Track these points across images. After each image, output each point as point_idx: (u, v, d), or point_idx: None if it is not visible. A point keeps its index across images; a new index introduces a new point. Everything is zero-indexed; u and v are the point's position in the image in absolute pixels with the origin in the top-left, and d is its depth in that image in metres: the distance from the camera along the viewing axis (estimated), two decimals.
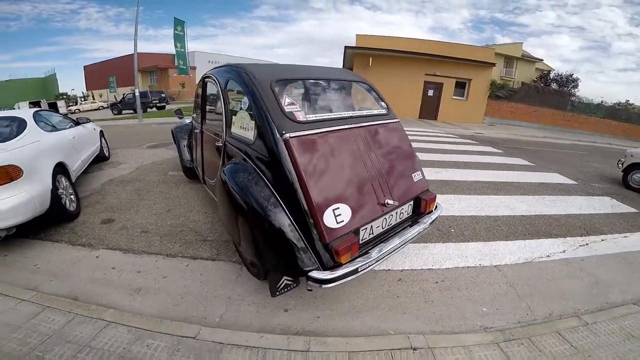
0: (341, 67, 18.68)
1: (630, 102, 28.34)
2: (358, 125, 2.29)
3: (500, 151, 9.09)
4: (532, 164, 7.60)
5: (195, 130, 3.55)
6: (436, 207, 2.58)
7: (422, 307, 2.29)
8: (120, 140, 8.55)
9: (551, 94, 22.89)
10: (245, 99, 2.27)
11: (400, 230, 2.24)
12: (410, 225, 2.32)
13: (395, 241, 2.09)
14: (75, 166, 4.16)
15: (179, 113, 5.25)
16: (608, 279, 2.81)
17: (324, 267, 1.74)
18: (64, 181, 3.52)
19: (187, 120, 4.98)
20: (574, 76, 28.87)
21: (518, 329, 2.10)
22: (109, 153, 6.58)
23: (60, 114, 5.26)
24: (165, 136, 9.04)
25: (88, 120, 5.74)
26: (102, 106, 33.63)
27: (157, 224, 3.38)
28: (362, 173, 2.07)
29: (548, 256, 3.11)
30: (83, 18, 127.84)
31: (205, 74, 3.33)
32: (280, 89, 2.24)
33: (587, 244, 3.46)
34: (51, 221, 3.24)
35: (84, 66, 50.04)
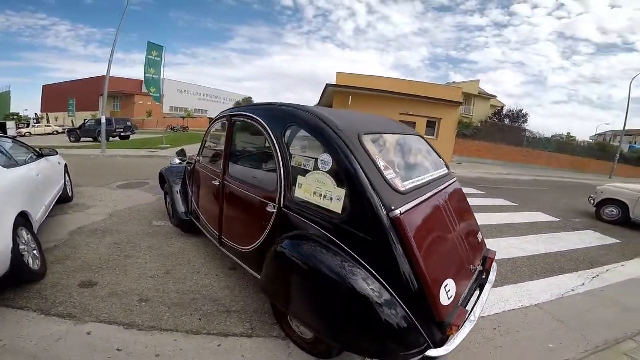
0: (316, 104, 19.13)
1: (571, 134, 31.55)
2: (440, 188, 2.18)
3: (483, 192, 9.55)
4: (515, 204, 8.08)
5: (214, 182, 2.85)
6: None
7: (495, 353, 2.29)
8: (83, 175, 7.35)
9: (509, 131, 24.90)
10: (326, 158, 1.83)
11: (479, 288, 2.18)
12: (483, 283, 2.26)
13: (483, 299, 2.03)
14: (39, 215, 3.31)
15: (181, 155, 4.50)
16: (633, 304, 3.15)
17: (435, 344, 1.57)
18: (25, 234, 2.76)
19: (177, 161, 4.51)
20: (524, 111, 31.75)
21: (591, 356, 2.26)
22: (72, 192, 5.43)
23: (10, 137, 4.22)
24: (135, 172, 8.27)
25: (54, 153, 4.79)
26: (56, 131, 30.92)
27: (158, 290, 2.74)
28: (452, 241, 1.98)
29: (573, 290, 3.35)
30: (52, 35, 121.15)
31: (233, 112, 2.84)
32: (370, 146, 1.87)
33: (597, 275, 3.80)
34: (6, 283, 2.49)
35: (44, 86, 47.01)
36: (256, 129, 2.45)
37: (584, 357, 2.25)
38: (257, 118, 2.40)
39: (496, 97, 35.18)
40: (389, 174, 1.78)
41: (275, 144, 2.17)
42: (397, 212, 1.59)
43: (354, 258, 1.65)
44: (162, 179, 4.49)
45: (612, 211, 6.80)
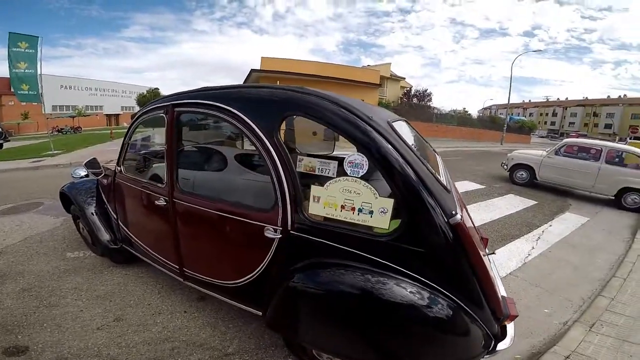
0: None
1: (466, 110, 36.43)
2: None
3: None
4: None
5: (156, 202, 2.12)
6: None
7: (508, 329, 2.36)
8: None
9: (421, 109, 27.42)
10: (359, 159, 1.45)
11: None
12: None
13: (499, 281, 1.97)
14: None
15: (93, 167, 3.19)
16: (577, 262, 3.69)
17: (498, 338, 1.51)
18: None
19: (82, 173, 3.46)
20: (428, 91, 35.55)
21: (586, 313, 2.56)
22: None
23: None
24: (20, 191, 6.07)
25: None
26: None
27: (120, 346, 2.05)
28: (475, 231, 1.86)
29: (529, 255, 3.75)
30: None
31: (174, 100, 2.06)
32: (407, 138, 1.60)
33: (539, 238, 4.35)
34: None
35: None
36: (222, 122, 1.90)
37: (578, 316, 2.51)
38: (227, 108, 1.74)
39: (405, 78, 38.23)
40: (435, 172, 1.53)
41: (267, 144, 1.61)
42: (458, 217, 1.36)
43: (413, 278, 1.43)
44: (66, 199, 3.37)
45: (522, 174, 8.00)
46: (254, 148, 1.71)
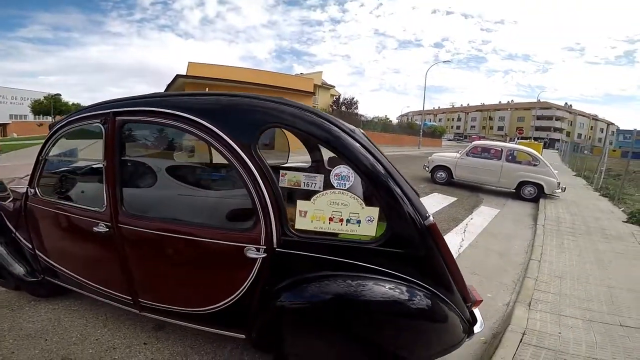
0: None
1: (388, 117, 39.69)
2: None
3: None
4: None
5: (96, 228, 1.82)
6: None
7: None
8: None
9: (350, 116, 28.86)
10: (345, 172, 1.50)
11: None
12: None
13: None
14: None
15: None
16: (501, 248, 4.33)
17: (469, 323, 1.68)
18: None
19: None
20: (355, 99, 38.03)
21: (521, 294, 2.92)
22: None
23: None
24: None
25: None
26: None
27: None
28: None
29: (461, 246, 4.27)
30: None
31: (116, 108, 1.81)
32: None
33: (465, 231, 4.94)
34: None
35: None
36: (183, 133, 1.73)
37: (515, 297, 2.91)
38: (193, 119, 1.58)
39: (335, 87, 39.97)
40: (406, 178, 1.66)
41: (245, 159, 1.51)
42: (431, 218, 1.53)
43: (397, 276, 1.53)
44: None
45: (442, 175, 9.03)
46: (226, 162, 1.61)
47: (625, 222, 5.89)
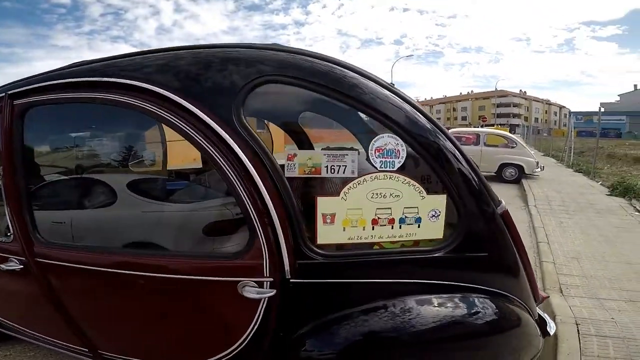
0: None
1: None
2: None
3: None
4: None
5: (6, 265, 1.27)
6: None
7: None
8: None
9: None
10: (391, 144, 0.99)
11: None
12: None
13: None
14: None
15: None
16: None
17: (542, 324, 1.34)
18: None
19: None
20: None
21: (545, 280, 2.53)
22: None
23: None
24: None
25: None
26: None
27: None
28: None
29: None
30: None
31: (16, 87, 1.22)
32: None
33: None
34: None
35: None
36: (126, 115, 1.25)
37: (541, 285, 2.57)
38: (145, 86, 1.01)
39: None
40: None
41: (227, 139, 0.95)
42: (503, 202, 1.12)
43: (477, 291, 1.10)
44: None
45: None
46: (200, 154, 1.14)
47: (609, 195, 5.93)
